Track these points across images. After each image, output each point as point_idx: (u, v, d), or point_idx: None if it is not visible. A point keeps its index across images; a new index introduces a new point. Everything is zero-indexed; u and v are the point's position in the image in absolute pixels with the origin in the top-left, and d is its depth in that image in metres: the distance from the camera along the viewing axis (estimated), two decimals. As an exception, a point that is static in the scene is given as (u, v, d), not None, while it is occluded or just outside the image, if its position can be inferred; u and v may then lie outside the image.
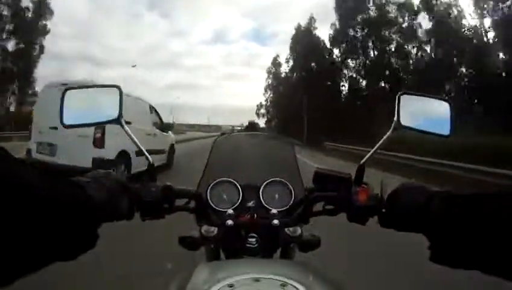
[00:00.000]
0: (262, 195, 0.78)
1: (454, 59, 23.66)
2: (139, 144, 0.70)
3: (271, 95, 48.18)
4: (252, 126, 47.36)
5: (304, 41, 34.74)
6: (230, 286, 0.51)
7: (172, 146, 9.58)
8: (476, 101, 21.70)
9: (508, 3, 20.14)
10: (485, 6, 21.92)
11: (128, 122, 0.71)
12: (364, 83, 30.03)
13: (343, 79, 31.86)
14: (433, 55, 25.80)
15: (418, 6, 26.62)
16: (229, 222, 0.70)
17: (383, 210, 0.63)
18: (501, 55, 21.22)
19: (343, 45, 30.99)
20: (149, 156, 0.69)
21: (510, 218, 0.43)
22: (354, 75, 30.95)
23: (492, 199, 0.47)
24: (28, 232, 0.38)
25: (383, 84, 28.14)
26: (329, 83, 31.70)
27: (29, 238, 0.38)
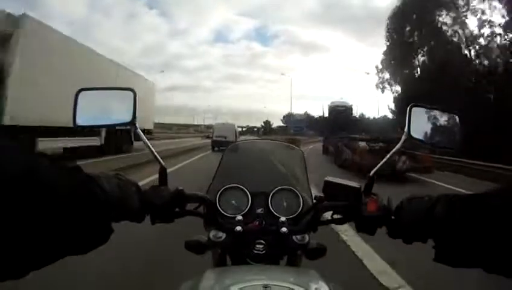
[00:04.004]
0: (271, 202, 0.79)
1: None
2: (151, 147, 0.71)
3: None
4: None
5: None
6: None
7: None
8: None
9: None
10: None
11: None
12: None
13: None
14: None
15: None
16: (238, 228, 0.71)
17: (392, 218, 0.64)
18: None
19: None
20: (161, 160, 0.69)
21: (508, 215, 0.45)
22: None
23: (491, 198, 0.48)
24: (43, 223, 0.38)
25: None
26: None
27: (44, 230, 0.39)
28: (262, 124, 79.34)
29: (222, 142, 16.80)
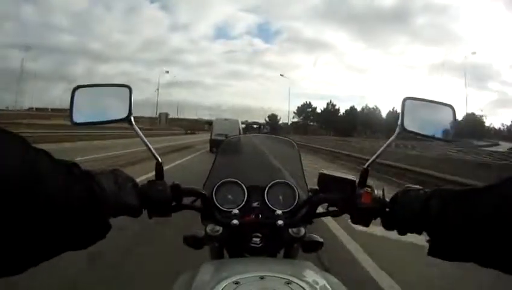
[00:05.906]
0: (267, 196, 0.80)
1: None
2: (147, 142, 0.72)
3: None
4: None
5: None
6: (236, 283, 0.52)
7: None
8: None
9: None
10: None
11: None
12: None
13: None
14: None
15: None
16: (234, 221, 0.71)
17: (387, 210, 0.64)
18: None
19: None
20: (157, 155, 0.70)
21: (501, 209, 0.45)
22: None
23: (486, 193, 0.49)
24: (41, 219, 0.39)
25: None
26: None
27: (42, 227, 0.39)
28: (267, 119, 71.85)
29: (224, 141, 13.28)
